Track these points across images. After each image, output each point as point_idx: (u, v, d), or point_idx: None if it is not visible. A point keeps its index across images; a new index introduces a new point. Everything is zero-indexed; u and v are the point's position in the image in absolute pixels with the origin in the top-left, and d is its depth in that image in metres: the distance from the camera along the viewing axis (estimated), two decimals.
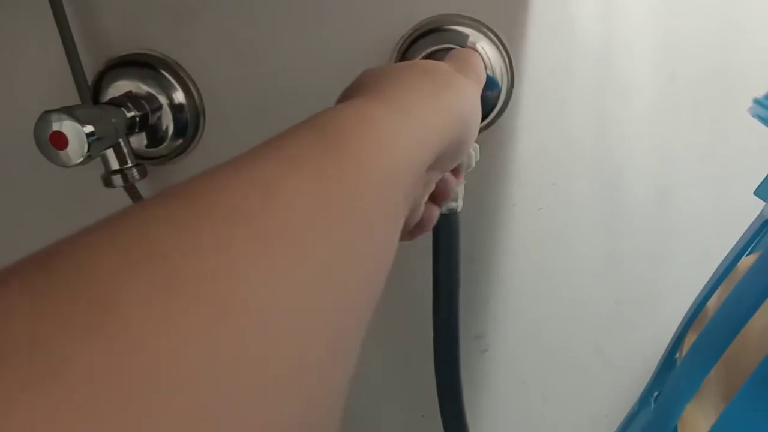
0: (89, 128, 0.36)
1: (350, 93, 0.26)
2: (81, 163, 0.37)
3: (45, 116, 0.36)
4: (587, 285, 0.47)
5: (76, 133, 0.36)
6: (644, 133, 0.44)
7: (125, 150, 0.41)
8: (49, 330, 0.09)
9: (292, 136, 0.18)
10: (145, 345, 0.10)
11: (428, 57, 0.41)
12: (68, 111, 0.36)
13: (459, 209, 0.39)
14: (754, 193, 0.28)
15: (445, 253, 0.41)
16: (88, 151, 0.37)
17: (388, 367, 0.51)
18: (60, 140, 0.36)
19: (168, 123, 0.44)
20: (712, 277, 0.26)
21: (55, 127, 0.36)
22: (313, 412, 0.13)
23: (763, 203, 0.27)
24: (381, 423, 0.53)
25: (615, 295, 0.47)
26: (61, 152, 0.36)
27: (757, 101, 0.17)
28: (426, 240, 0.40)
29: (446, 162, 0.26)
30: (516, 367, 0.50)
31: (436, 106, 0.24)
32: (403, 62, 0.28)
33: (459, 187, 0.38)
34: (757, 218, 0.25)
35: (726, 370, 0.23)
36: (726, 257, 0.26)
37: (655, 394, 0.26)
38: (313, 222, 0.14)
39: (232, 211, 0.13)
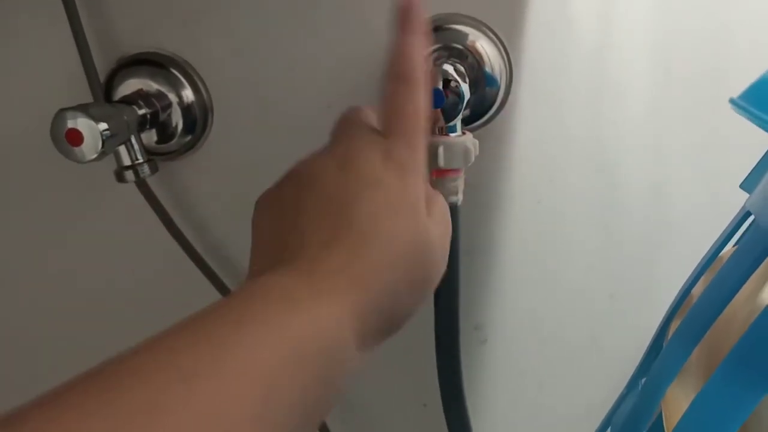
0: (103, 125, 0.38)
1: (299, 231, 0.23)
2: (95, 159, 0.38)
3: (61, 114, 0.37)
4: (583, 277, 0.49)
5: (90, 130, 0.37)
6: (639, 131, 0.45)
7: (137, 146, 0.42)
8: None
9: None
10: None
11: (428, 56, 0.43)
12: (83, 109, 0.37)
13: (459, 203, 0.40)
14: (741, 186, 0.29)
15: None
16: (102, 147, 0.38)
17: (390, 357, 0.52)
18: (75, 137, 0.37)
19: (177, 120, 0.45)
20: (697, 266, 0.27)
21: (71, 124, 0.37)
22: None
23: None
24: (382, 412, 0.55)
25: (610, 287, 0.49)
26: (77, 149, 0.37)
27: (732, 101, 0.18)
28: None
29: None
30: (514, 357, 0.51)
31: (391, 312, 0.23)
32: (372, 191, 0.23)
33: (459, 181, 0.40)
34: (740, 209, 0.26)
35: (709, 356, 0.24)
36: (711, 247, 0.27)
37: (643, 379, 0.27)
38: None
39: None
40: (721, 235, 0.26)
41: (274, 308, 0.20)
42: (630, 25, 0.43)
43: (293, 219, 0.24)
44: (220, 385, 0.17)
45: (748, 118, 0.18)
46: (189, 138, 0.46)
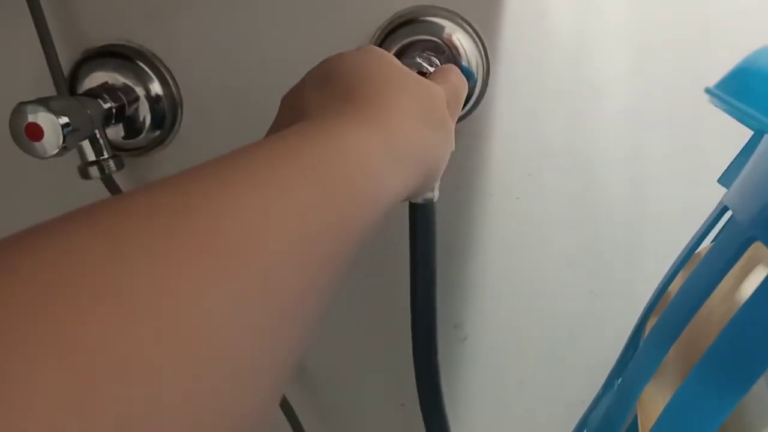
0: (64, 119, 0.36)
1: (329, 94, 0.25)
2: (57, 155, 0.37)
3: (20, 107, 0.36)
4: (562, 275, 0.48)
5: (51, 124, 0.36)
6: (616, 128, 0.44)
7: (101, 141, 0.41)
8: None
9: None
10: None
11: (404, 48, 0.42)
12: (43, 102, 0.36)
13: (435, 199, 0.39)
14: (718, 180, 0.29)
15: (421, 243, 0.42)
16: (64, 142, 0.37)
17: (368, 357, 0.51)
18: (35, 132, 0.36)
19: (145, 114, 0.44)
20: (674, 262, 0.26)
21: (31, 118, 0.36)
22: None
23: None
24: (360, 412, 0.54)
25: (589, 285, 0.48)
26: (37, 144, 0.36)
27: (707, 90, 0.18)
28: (403, 230, 0.41)
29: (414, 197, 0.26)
30: (493, 355, 0.51)
31: (421, 143, 0.24)
32: (394, 68, 0.26)
33: None
34: (717, 205, 0.25)
35: (686, 354, 0.24)
36: (688, 243, 0.26)
37: (619, 379, 0.27)
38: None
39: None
40: (698, 231, 0.26)
41: (303, 142, 0.19)
42: (607, 18, 0.42)
43: (315, 87, 0.25)
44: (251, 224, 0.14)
45: (724, 109, 0.17)
46: (158, 133, 0.45)
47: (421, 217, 0.40)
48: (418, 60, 0.35)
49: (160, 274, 0.11)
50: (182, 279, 0.12)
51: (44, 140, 0.36)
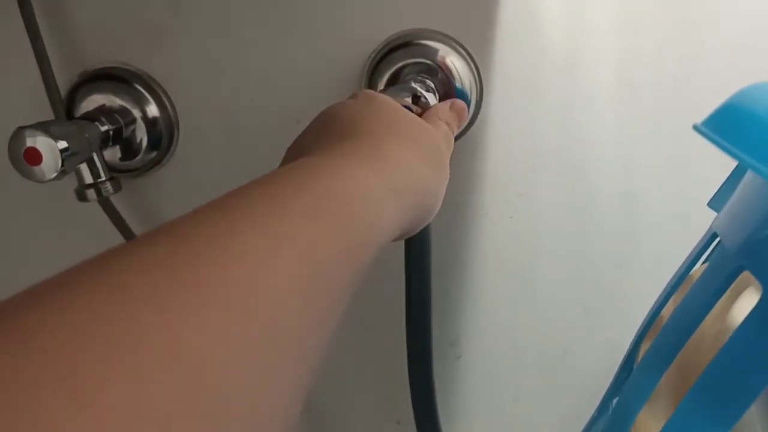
0: (63, 144, 0.36)
1: (330, 136, 0.25)
2: (55, 179, 0.37)
3: (19, 132, 0.36)
4: (555, 291, 0.48)
5: (50, 149, 0.36)
6: (608, 144, 0.45)
7: (99, 164, 0.41)
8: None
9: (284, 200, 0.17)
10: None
11: (399, 70, 0.42)
12: (42, 127, 0.36)
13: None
14: (708, 204, 0.29)
15: (417, 261, 0.42)
16: (62, 166, 0.37)
17: (364, 375, 0.52)
18: (34, 156, 0.36)
19: (142, 136, 0.44)
20: (666, 286, 0.27)
21: (29, 143, 0.36)
22: None
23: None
24: (356, 429, 0.54)
25: (582, 301, 0.49)
26: (35, 168, 0.36)
27: (695, 128, 0.18)
28: (398, 249, 0.41)
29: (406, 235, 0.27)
30: (489, 372, 0.51)
31: (419, 179, 0.25)
32: (391, 110, 0.27)
33: None
34: (708, 229, 0.26)
35: (679, 378, 0.24)
36: (680, 266, 0.27)
37: (615, 400, 0.27)
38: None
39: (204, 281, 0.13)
40: (690, 254, 0.26)
41: (305, 178, 0.19)
42: (598, 40, 0.43)
43: (317, 133, 0.26)
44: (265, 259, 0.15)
45: (713, 143, 0.18)
46: (154, 154, 0.45)
47: (416, 236, 0.41)
48: (413, 84, 0.36)
49: (170, 330, 0.12)
50: (191, 331, 0.12)
51: (43, 164, 0.36)
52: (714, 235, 0.26)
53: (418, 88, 0.36)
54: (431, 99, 0.36)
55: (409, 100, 0.36)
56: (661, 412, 0.21)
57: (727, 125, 0.17)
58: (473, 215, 0.47)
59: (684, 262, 0.27)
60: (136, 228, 0.45)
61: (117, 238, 0.44)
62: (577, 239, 0.47)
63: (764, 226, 0.20)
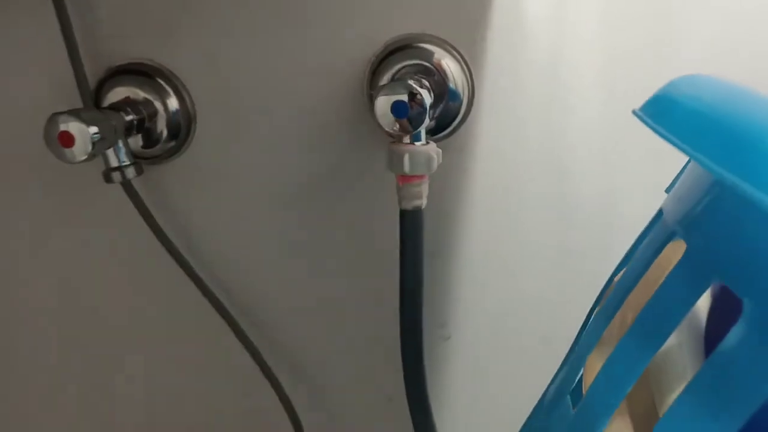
0: (93, 129, 0.41)
1: None
2: (84, 161, 0.41)
3: (54, 117, 0.40)
4: (538, 280, 0.52)
5: (81, 133, 0.40)
6: (589, 142, 0.49)
7: (123, 150, 0.45)
8: None
9: None
10: None
11: (398, 72, 0.46)
12: (75, 113, 0.40)
13: (423, 206, 0.44)
14: (665, 190, 0.33)
15: (410, 247, 0.46)
16: (92, 149, 0.41)
17: (357, 353, 0.55)
18: (67, 139, 0.40)
19: (162, 127, 0.48)
20: (622, 259, 0.31)
21: (63, 127, 0.40)
22: None
23: None
24: (351, 404, 0.58)
25: (564, 290, 0.53)
26: (68, 150, 0.40)
27: (633, 112, 0.22)
28: (393, 235, 0.45)
29: None
30: (475, 353, 0.55)
31: None
32: None
33: (423, 186, 0.43)
34: (657, 210, 0.30)
35: (621, 330, 0.28)
36: (633, 242, 0.31)
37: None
38: None
39: None
40: (641, 232, 0.30)
41: None
42: (581, 46, 0.47)
43: None
44: None
45: (646, 125, 0.21)
46: (173, 143, 0.49)
47: (409, 223, 0.45)
48: (410, 81, 0.40)
49: None
50: None
51: (75, 147, 0.40)
52: (659, 215, 0.30)
53: (414, 85, 0.40)
54: (426, 96, 0.40)
55: (405, 96, 0.40)
56: (606, 356, 0.25)
57: (661, 112, 0.21)
58: (462, 205, 0.51)
59: (637, 238, 0.30)
60: (154, 210, 0.49)
61: (136, 218, 0.48)
62: (562, 229, 0.51)
63: (696, 203, 0.24)
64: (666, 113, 0.21)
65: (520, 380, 0.55)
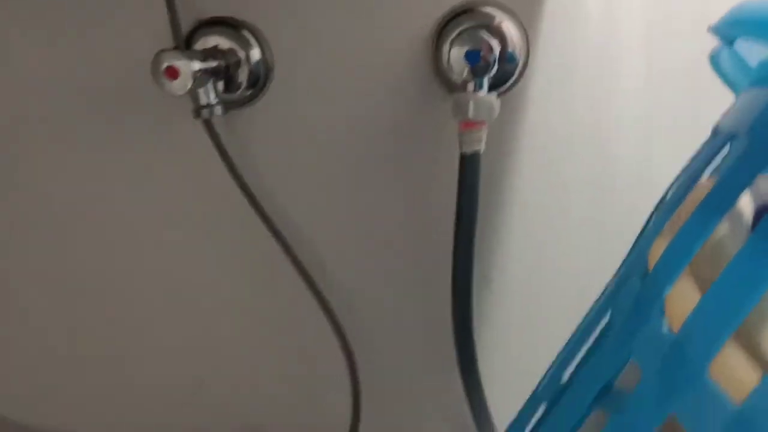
0: (196, 66, 0.46)
1: None
2: (184, 94, 0.46)
3: (161, 53, 0.45)
4: (577, 243, 0.57)
5: (186, 68, 0.45)
6: (632, 123, 0.54)
7: (213, 90, 0.50)
8: None
9: None
10: None
11: (462, 32, 0.51)
12: (180, 51, 0.45)
13: (482, 151, 0.48)
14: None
15: (467, 190, 0.50)
16: (192, 84, 0.46)
17: (411, 293, 0.60)
18: (173, 73, 0.45)
19: (243, 75, 0.53)
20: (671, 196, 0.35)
21: (169, 62, 0.45)
22: None
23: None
24: (402, 339, 0.62)
25: (600, 253, 0.57)
26: (173, 82, 0.45)
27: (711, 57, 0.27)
28: (452, 177, 0.50)
29: None
30: (519, 301, 0.59)
31: None
32: None
33: (482, 133, 0.48)
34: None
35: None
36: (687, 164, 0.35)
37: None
38: None
39: None
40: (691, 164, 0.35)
41: None
42: (630, 23, 0.52)
43: None
44: None
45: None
46: (250, 92, 0.54)
47: (469, 167, 0.49)
48: (482, 35, 0.45)
49: None
50: None
51: (179, 80, 0.45)
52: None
53: (485, 37, 0.44)
54: (495, 46, 0.45)
55: (479, 45, 0.45)
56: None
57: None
58: (512, 161, 0.55)
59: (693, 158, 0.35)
60: (229, 150, 0.54)
61: (213, 154, 0.53)
62: (601, 191, 0.56)
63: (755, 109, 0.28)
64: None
65: (564, 326, 0.59)
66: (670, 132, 0.54)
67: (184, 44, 0.52)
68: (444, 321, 0.55)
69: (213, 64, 0.50)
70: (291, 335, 0.62)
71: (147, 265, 0.61)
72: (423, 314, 0.60)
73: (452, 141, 0.50)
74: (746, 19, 0.25)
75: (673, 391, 0.23)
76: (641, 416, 0.24)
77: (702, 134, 0.55)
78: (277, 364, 0.64)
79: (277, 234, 0.56)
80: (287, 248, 0.56)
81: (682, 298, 0.25)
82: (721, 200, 0.25)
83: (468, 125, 0.48)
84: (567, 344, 0.40)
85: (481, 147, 0.48)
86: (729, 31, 0.26)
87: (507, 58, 0.52)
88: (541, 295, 0.59)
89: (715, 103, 0.39)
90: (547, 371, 0.41)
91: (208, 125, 0.52)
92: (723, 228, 0.28)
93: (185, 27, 0.53)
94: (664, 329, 0.25)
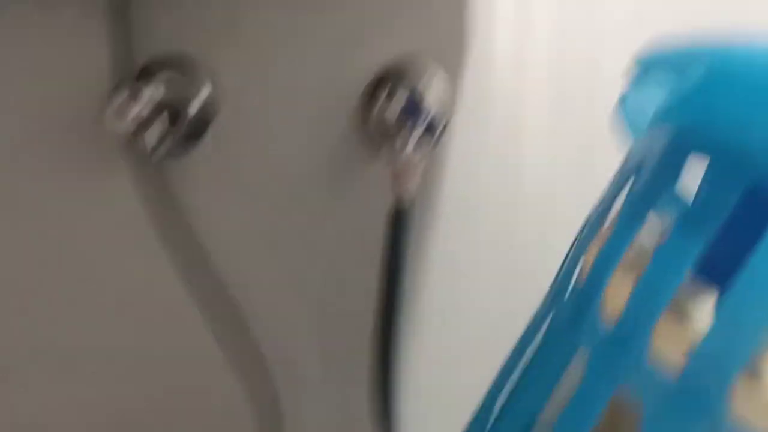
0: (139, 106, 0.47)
1: None
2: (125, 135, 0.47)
3: (119, 87, 0.47)
4: (487, 273, 0.63)
5: (129, 108, 0.47)
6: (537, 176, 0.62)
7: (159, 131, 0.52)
8: None
9: None
10: None
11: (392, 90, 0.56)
12: (137, 86, 0.47)
13: (411, 207, 0.53)
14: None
15: (395, 244, 0.55)
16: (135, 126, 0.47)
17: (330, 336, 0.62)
18: (119, 113, 0.46)
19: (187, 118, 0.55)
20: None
21: (124, 96, 0.46)
22: None
23: None
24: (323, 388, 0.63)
25: (504, 283, 0.63)
26: (117, 123, 0.46)
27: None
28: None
29: None
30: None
31: None
32: None
33: (412, 185, 0.53)
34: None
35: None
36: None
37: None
38: None
39: None
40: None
41: None
42: (535, 81, 0.61)
43: None
44: None
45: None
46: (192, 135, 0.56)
47: (396, 220, 0.54)
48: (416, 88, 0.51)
49: None
50: None
51: (122, 121, 0.47)
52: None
53: (420, 90, 0.50)
54: (428, 101, 0.50)
55: (415, 97, 0.50)
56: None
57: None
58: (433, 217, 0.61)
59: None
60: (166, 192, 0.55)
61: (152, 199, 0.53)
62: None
63: None
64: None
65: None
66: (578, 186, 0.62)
67: (128, 82, 0.53)
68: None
69: (158, 104, 0.51)
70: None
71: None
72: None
73: (384, 193, 0.55)
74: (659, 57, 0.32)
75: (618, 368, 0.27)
76: (590, 392, 0.28)
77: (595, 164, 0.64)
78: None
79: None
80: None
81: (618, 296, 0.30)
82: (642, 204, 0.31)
83: (398, 176, 0.52)
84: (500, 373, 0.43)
85: (411, 199, 0.53)
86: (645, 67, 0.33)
87: (435, 114, 0.58)
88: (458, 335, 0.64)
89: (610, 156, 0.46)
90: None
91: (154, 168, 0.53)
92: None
93: (128, 66, 0.54)
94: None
